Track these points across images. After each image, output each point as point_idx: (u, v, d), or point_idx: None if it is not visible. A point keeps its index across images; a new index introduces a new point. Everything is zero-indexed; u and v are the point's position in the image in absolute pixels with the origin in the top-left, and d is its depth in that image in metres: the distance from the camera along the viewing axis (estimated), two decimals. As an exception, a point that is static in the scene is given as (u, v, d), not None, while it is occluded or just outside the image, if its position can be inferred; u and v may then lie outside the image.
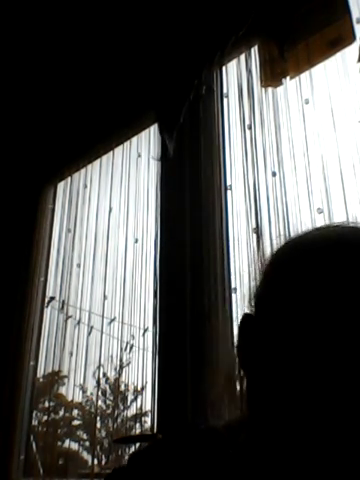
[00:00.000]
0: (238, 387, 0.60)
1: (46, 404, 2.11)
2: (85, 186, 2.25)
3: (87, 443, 2.05)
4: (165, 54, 1.96)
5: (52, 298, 2.20)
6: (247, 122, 1.65)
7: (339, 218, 1.33)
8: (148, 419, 1.69)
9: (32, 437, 2.07)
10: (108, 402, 1.98)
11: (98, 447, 1.95)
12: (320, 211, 1.38)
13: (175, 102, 1.86)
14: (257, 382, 0.55)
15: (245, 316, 0.60)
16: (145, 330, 1.76)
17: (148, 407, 1.66)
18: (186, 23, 1.91)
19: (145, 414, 1.76)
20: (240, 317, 0.61)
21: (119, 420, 1.93)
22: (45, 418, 2.09)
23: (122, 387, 1.93)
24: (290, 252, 0.59)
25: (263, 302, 0.57)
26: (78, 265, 2.12)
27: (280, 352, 0.51)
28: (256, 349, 0.55)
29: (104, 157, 2.22)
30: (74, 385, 1.94)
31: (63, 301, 2.11)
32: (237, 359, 0.60)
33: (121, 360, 1.84)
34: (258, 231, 1.50)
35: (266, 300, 0.56)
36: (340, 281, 0.49)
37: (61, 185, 2.43)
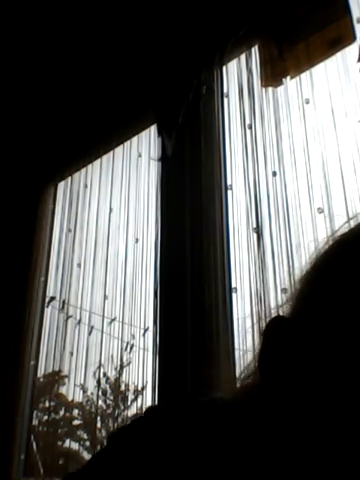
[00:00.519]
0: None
1: (46, 404, 2.12)
2: (85, 186, 2.25)
3: (87, 443, 2.05)
4: (164, 54, 1.96)
5: (52, 298, 2.20)
6: (247, 122, 1.65)
7: (339, 217, 1.33)
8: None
9: (32, 437, 2.07)
10: (108, 402, 1.98)
11: (99, 447, 1.95)
12: (320, 210, 1.39)
13: (174, 103, 1.86)
14: (286, 390, 0.49)
15: (277, 318, 0.53)
16: (145, 330, 1.76)
17: (148, 407, 1.66)
18: (185, 23, 1.91)
19: (145, 414, 1.76)
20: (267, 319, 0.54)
21: (119, 420, 1.93)
22: (45, 418, 2.09)
23: (122, 387, 1.93)
24: (341, 250, 0.52)
25: (308, 305, 0.51)
26: (78, 265, 2.12)
27: (329, 360, 0.45)
28: (291, 355, 0.49)
29: (104, 157, 2.22)
30: (74, 385, 1.95)
31: (63, 301, 2.11)
32: (255, 362, 0.54)
33: (121, 360, 1.84)
34: (258, 230, 1.50)
35: (313, 303, 0.50)
36: None
37: (61, 185, 2.43)
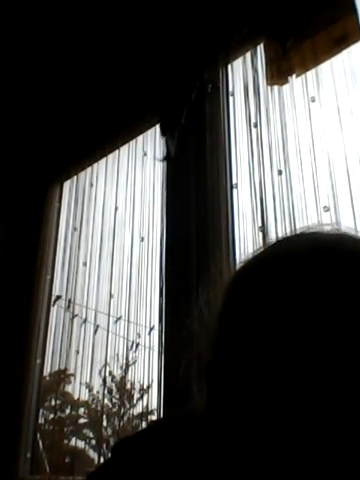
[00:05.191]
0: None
1: (52, 402, 2.12)
2: (91, 185, 2.26)
3: (93, 441, 2.06)
4: (168, 54, 1.96)
5: (58, 297, 2.20)
6: (253, 120, 1.65)
7: (345, 216, 1.32)
8: (154, 417, 1.69)
9: (39, 435, 2.08)
10: (114, 400, 1.98)
11: (104, 445, 1.95)
12: (326, 209, 1.38)
13: (177, 103, 1.86)
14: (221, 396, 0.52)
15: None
16: (151, 328, 1.76)
17: (154, 405, 1.66)
18: (189, 23, 1.90)
19: (151, 412, 1.76)
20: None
21: (125, 418, 1.93)
22: (51, 416, 2.09)
23: (128, 385, 1.93)
24: (249, 270, 0.56)
25: (229, 313, 0.54)
26: (84, 264, 2.13)
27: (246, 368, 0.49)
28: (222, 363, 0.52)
29: (110, 156, 2.22)
30: (80, 383, 1.95)
31: (69, 300, 2.12)
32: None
33: (127, 358, 1.85)
34: (264, 229, 1.50)
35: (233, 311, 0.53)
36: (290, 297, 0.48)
37: (67, 184, 2.44)
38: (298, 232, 0.60)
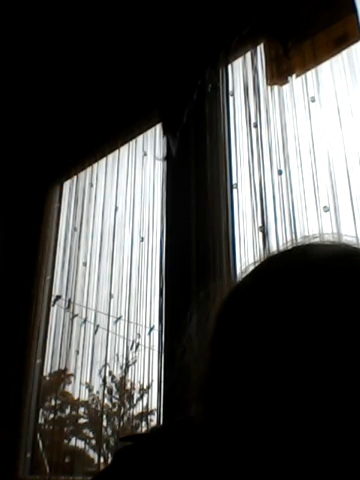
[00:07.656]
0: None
1: (52, 402, 2.12)
2: (91, 185, 2.26)
3: (93, 441, 2.06)
4: (169, 54, 1.96)
5: (58, 297, 2.20)
6: (253, 120, 1.65)
7: (345, 216, 1.32)
8: (154, 417, 1.69)
9: (39, 435, 2.08)
10: (114, 400, 1.98)
11: (104, 445, 1.95)
12: (326, 209, 1.38)
13: (178, 102, 1.86)
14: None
15: None
16: (151, 329, 1.76)
17: (154, 405, 1.66)
18: (190, 23, 1.90)
19: (151, 412, 1.76)
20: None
21: (125, 418, 1.93)
22: (51, 416, 2.09)
23: (128, 385, 1.93)
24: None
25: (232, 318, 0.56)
26: (84, 264, 2.13)
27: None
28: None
29: (110, 156, 2.22)
30: (80, 383, 1.95)
31: (69, 300, 2.12)
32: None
33: (127, 358, 1.85)
34: (264, 229, 1.50)
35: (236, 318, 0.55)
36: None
37: (67, 184, 2.44)
38: (296, 243, 0.61)
